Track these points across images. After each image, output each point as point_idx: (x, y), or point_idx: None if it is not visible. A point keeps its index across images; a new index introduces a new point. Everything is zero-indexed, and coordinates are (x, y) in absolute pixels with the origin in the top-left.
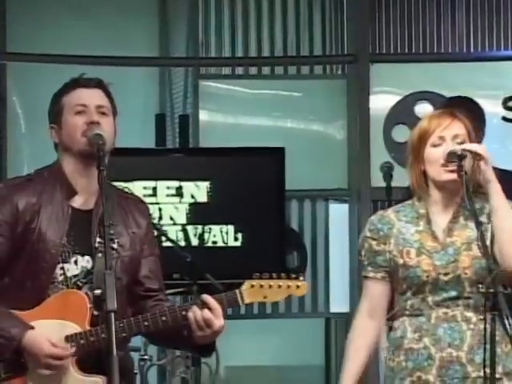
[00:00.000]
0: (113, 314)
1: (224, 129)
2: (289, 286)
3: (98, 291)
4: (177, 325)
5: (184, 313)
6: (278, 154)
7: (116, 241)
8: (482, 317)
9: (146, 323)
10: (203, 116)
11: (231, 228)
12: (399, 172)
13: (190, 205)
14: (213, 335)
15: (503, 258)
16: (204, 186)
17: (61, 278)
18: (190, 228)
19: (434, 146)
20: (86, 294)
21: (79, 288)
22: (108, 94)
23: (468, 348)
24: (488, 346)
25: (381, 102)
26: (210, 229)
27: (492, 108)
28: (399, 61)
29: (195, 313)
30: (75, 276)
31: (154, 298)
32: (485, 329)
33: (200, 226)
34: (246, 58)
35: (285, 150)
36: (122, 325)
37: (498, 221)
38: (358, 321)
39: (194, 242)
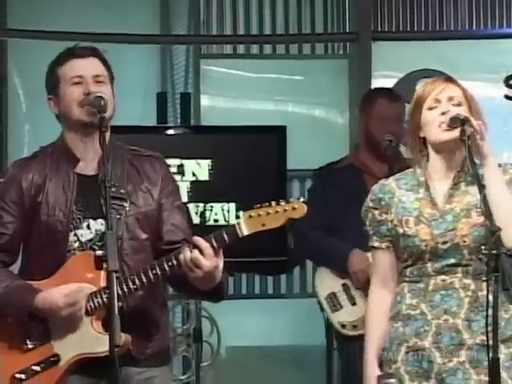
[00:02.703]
0: (114, 274)
1: (225, 113)
2: (285, 210)
3: (99, 252)
4: (175, 273)
5: (178, 257)
6: (279, 132)
7: (128, 200)
8: (481, 283)
9: (153, 271)
10: (204, 101)
11: (232, 206)
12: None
13: (192, 183)
14: (207, 277)
15: None
16: (205, 164)
17: (76, 245)
18: (191, 206)
19: (430, 108)
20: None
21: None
22: (104, 62)
23: (465, 315)
24: (489, 312)
25: (382, 85)
26: (212, 207)
27: (494, 86)
28: (401, 39)
29: (185, 254)
30: (90, 240)
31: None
32: (487, 291)
33: (201, 204)
34: (247, 35)
35: (286, 128)
36: (132, 276)
37: (492, 195)
38: (372, 293)
39: (196, 220)
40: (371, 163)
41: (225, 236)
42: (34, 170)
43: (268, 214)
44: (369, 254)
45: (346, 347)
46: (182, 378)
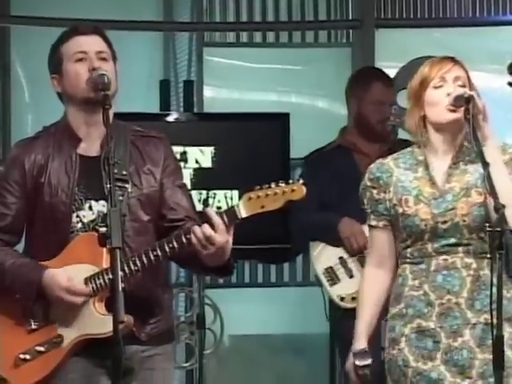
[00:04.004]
0: (118, 251)
1: (228, 104)
2: (284, 192)
3: (103, 229)
4: (185, 250)
5: (188, 236)
6: (282, 119)
7: (130, 181)
8: (482, 262)
9: (154, 253)
10: (207, 92)
11: (235, 193)
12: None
13: (195, 170)
14: (219, 253)
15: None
16: (208, 151)
17: (79, 226)
18: (194, 193)
19: (436, 87)
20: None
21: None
22: (106, 40)
23: (468, 294)
24: (489, 291)
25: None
26: (215, 194)
27: (497, 73)
28: (404, 26)
29: (196, 232)
30: (92, 221)
31: (180, 228)
32: (491, 269)
33: (204, 191)
34: (250, 22)
35: (289, 115)
36: (133, 258)
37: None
38: (366, 271)
39: (199, 207)
40: (360, 143)
41: (224, 217)
42: (37, 151)
43: (267, 195)
44: (364, 226)
45: (345, 321)
46: (185, 365)
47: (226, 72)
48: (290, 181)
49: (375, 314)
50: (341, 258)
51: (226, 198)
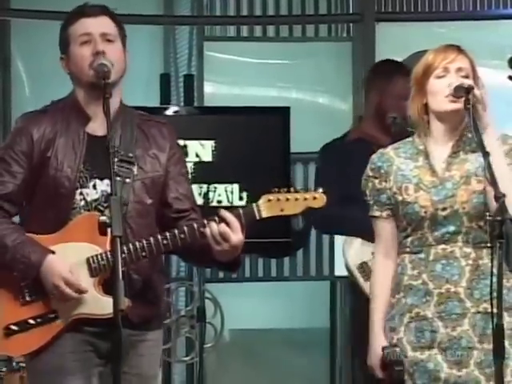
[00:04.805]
0: (118, 239)
1: (228, 100)
2: (306, 199)
3: (103, 217)
4: (196, 242)
5: (202, 229)
6: (283, 113)
7: (136, 164)
8: (481, 251)
9: (164, 242)
10: (207, 88)
11: (236, 187)
12: None
13: (195, 164)
14: (232, 250)
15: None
16: (209, 145)
17: (82, 204)
18: (194, 187)
19: (438, 77)
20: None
21: (101, 212)
22: (114, 19)
23: (466, 283)
24: (489, 280)
25: None
26: (215, 188)
27: (498, 67)
28: (405, 20)
29: (212, 228)
30: (95, 200)
31: (186, 218)
32: (492, 258)
33: (205, 185)
34: (250, 16)
35: (290, 109)
36: (141, 244)
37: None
38: (376, 262)
39: (199, 201)
40: (379, 136)
41: (242, 217)
42: (46, 124)
43: (287, 199)
44: None
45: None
46: (186, 359)
47: (226, 67)
48: (311, 188)
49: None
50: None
51: (226, 191)
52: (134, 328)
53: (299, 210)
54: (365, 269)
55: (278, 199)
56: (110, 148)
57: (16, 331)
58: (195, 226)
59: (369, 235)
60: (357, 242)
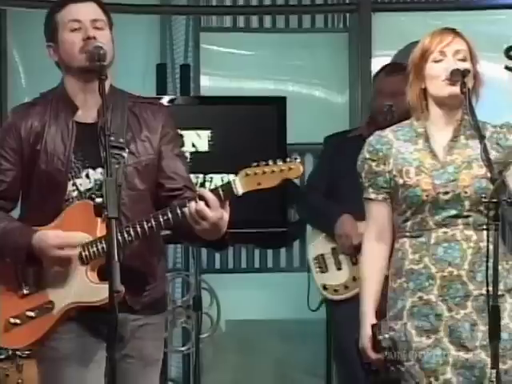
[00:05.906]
0: (114, 221)
1: (224, 93)
2: (281, 170)
3: (98, 199)
4: (180, 223)
5: (183, 209)
6: (279, 103)
7: (127, 149)
8: (482, 234)
9: (149, 224)
10: (204, 81)
11: (232, 177)
12: None
13: (191, 154)
14: (214, 228)
15: None
16: (205, 134)
17: (75, 194)
18: (191, 177)
19: (436, 61)
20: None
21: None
22: (101, 6)
23: (469, 266)
24: (490, 263)
25: (382, 57)
26: (211, 178)
27: (494, 57)
28: (401, 9)
29: (190, 207)
30: (88, 190)
31: (179, 197)
32: (487, 241)
33: (201, 175)
34: (247, 6)
35: (286, 99)
36: (127, 228)
37: None
38: (366, 245)
39: None
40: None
41: (220, 192)
42: (34, 118)
43: (264, 172)
44: (360, 223)
45: (331, 310)
46: (182, 349)
47: (222, 60)
48: (288, 159)
49: (379, 290)
50: (334, 248)
51: (222, 181)
52: (134, 312)
53: (276, 183)
54: (320, 261)
55: (255, 173)
56: (106, 130)
57: (16, 324)
58: (176, 205)
59: (326, 230)
60: (321, 235)
